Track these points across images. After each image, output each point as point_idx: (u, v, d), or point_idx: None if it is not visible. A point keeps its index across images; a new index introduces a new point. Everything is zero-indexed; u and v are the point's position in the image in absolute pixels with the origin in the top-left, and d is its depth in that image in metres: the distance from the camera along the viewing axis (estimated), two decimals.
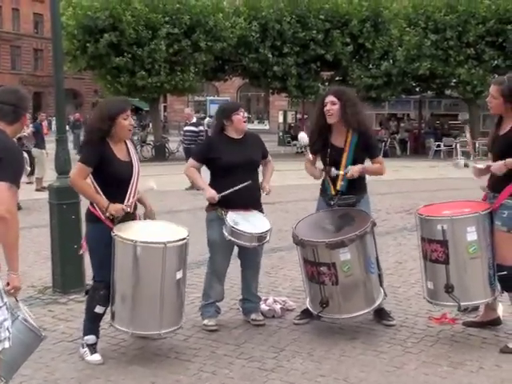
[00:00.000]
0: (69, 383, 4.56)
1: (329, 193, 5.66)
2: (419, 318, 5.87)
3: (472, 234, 5.04)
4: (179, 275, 4.86)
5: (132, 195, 5.00)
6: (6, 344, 3.38)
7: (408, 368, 4.78)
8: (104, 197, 4.89)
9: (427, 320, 5.80)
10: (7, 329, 3.39)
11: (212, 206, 5.53)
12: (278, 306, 6.01)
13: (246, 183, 5.37)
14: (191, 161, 5.73)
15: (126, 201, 4.94)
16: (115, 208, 4.85)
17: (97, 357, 4.95)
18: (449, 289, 5.06)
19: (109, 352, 5.14)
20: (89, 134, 5.12)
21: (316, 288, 5.35)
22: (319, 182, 5.82)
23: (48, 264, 7.04)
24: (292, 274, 7.38)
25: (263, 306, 5.96)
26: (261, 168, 5.84)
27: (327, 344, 5.28)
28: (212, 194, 5.44)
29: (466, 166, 5.30)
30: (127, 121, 4.94)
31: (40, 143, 16.38)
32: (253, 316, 5.75)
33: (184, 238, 4.88)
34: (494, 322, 5.52)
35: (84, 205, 6.12)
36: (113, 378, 4.65)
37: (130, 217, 5.02)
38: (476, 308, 5.84)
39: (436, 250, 5.09)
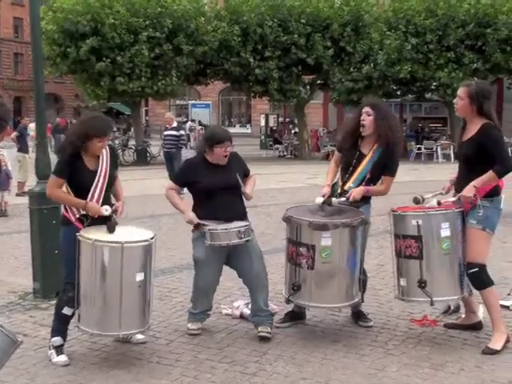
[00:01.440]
0: None
1: (335, 192, 5.68)
2: (401, 320, 5.91)
3: (446, 230, 5.12)
4: (140, 277, 4.82)
5: (95, 199, 5.00)
6: None
7: (390, 370, 4.81)
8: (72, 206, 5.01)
9: (408, 322, 5.83)
10: None
11: (197, 225, 5.51)
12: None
13: (232, 228, 5.32)
14: (171, 184, 5.72)
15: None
16: (93, 208, 4.92)
17: (63, 358, 4.96)
18: (422, 284, 5.10)
19: (90, 357, 5.12)
20: (64, 145, 5.16)
21: (292, 270, 5.33)
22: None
23: (29, 269, 7.00)
24: (274, 277, 7.36)
25: (245, 310, 5.95)
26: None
27: (309, 347, 5.29)
28: (191, 217, 5.44)
29: (439, 203, 5.33)
30: (101, 144, 5.02)
31: (23, 147, 16.34)
32: (260, 328, 5.53)
33: (145, 240, 4.86)
34: (475, 326, 5.56)
35: None
36: (95, 383, 4.63)
37: (102, 221, 5.01)
38: (457, 309, 5.88)
39: (410, 245, 5.16)
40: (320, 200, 5.52)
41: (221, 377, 4.72)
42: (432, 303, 5.26)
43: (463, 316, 5.69)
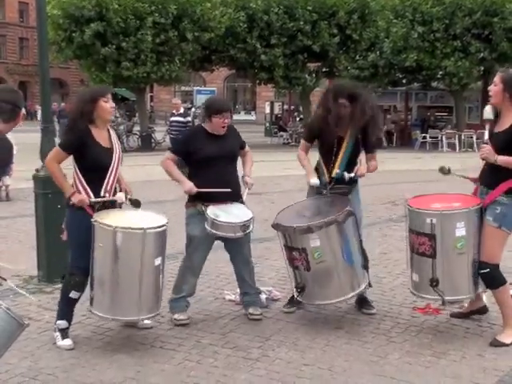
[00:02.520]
0: (53, 372, 4.55)
1: (323, 180, 5.66)
2: (403, 308, 5.92)
3: (461, 230, 4.98)
4: (158, 261, 4.89)
5: (111, 182, 5.04)
6: None
7: (392, 357, 4.82)
8: (86, 187, 4.94)
9: (411, 310, 5.84)
10: None
11: (191, 201, 5.53)
12: (263, 296, 6.03)
13: (226, 190, 5.37)
14: (169, 154, 5.69)
15: (103, 186, 4.99)
16: (78, 198, 4.90)
17: (67, 341, 4.98)
18: (433, 282, 5.03)
19: (94, 341, 5.15)
20: (72, 119, 5.22)
21: (293, 273, 5.44)
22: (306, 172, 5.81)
23: (33, 253, 7.02)
24: (277, 263, 7.40)
25: None
26: (240, 160, 5.81)
27: (312, 333, 5.31)
28: (190, 186, 5.41)
29: (448, 171, 5.23)
30: (108, 103, 5.03)
31: None
32: (250, 310, 5.68)
33: (163, 225, 4.90)
34: (480, 311, 5.56)
35: None
36: (98, 367, 4.65)
37: (111, 204, 5.05)
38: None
39: (423, 243, 5.05)
40: (315, 182, 5.56)
41: (223, 362, 4.74)
42: (444, 303, 5.22)
43: (466, 305, 5.68)
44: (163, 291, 5.16)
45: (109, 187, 5.03)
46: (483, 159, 4.99)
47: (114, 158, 5.07)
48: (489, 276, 5.04)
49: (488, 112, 5.15)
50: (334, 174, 5.60)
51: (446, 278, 5.05)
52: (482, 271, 5.03)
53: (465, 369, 4.63)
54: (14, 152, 11.06)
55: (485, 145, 5.01)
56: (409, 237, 5.26)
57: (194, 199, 5.49)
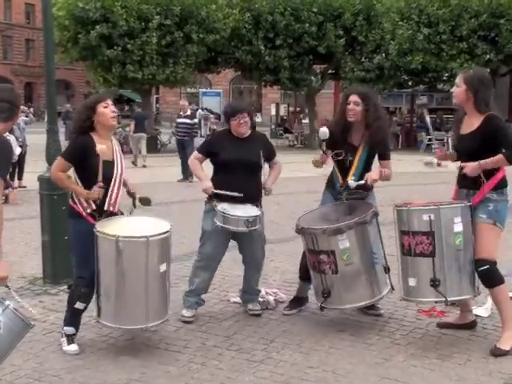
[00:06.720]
0: (58, 373, 4.57)
1: (337, 185, 5.65)
2: (408, 310, 5.90)
3: (458, 225, 4.92)
4: (163, 268, 4.87)
5: (114, 195, 4.98)
6: None
7: (396, 360, 4.82)
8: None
9: (416, 312, 5.83)
10: None
11: (209, 199, 5.62)
12: (271, 298, 6.05)
13: (239, 194, 5.46)
14: (196, 153, 5.90)
15: (107, 200, 4.93)
16: (93, 193, 4.84)
17: (73, 347, 4.95)
18: (435, 282, 4.89)
19: (98, 343, 5.15)
20: (73, 127, 5.15)
21: (318, 278, 5.36)
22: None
23: (39, 255, 7.04)
24: (282, 266, 7.41)
25: None
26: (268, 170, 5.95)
27: (316, 336, 5.31)
28: (207, 185, 5.55)
29: (438, 165, 5.25)
30: (107, 109, 4.95)
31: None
32: (250, 306, 5.85)
33: (166, 232, 4.87)
34: (469, 326, 5.42)
35: None
36: (102, 368, 4.66)
37: (113, 215, 5.02)
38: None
39: (421, 242, 4.92)
40: (353, 183, 5.44)
41: (228, 364, 4.75)
42: (447, 303, 5.11)
43: (458, 313, 5.56)
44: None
45: (112, 201, 4.97)
46: (471, 175, 4.94)
47: (116, 170, 5.00)
48: (487, 273, 4.92)
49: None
50: (349, 179, 5.51)
51: (448, 277, 4.91)
52: (481, 268, 4.93)
53: (470, 372, 4.62)
54: (17, 153, 10.94)
55: (467, 163, 4.97)
56: (401, 240, 5.12)
57: (212, 197, 5.60)
